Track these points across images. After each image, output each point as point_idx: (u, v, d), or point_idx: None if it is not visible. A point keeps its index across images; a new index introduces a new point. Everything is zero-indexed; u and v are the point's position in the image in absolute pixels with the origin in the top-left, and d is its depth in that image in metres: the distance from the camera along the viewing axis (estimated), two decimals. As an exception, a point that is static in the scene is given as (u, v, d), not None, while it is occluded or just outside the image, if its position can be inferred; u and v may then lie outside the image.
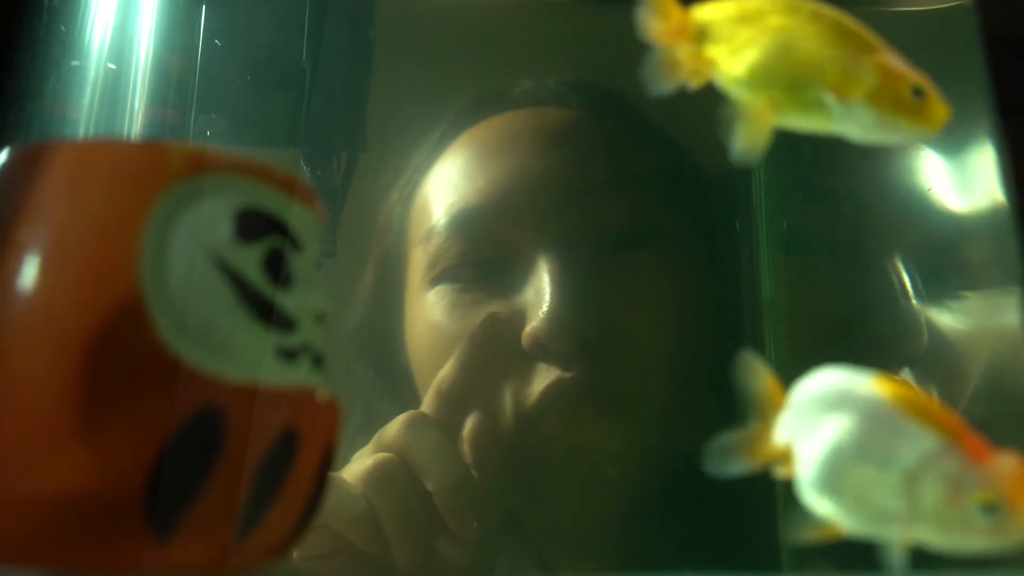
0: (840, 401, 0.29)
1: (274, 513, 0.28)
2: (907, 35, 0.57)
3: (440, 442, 0.48)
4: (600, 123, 0.58)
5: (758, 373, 0.33)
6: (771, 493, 0.44)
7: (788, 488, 0.41)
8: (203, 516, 0.27)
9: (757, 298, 0.51)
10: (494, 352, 0.50)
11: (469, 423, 0.50)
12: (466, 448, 0.49)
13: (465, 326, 0.52)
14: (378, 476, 0.47)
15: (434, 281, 0.54)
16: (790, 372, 0.46)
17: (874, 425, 0.28)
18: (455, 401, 0.50)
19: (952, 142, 0.54)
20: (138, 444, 0.26)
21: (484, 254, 0.53)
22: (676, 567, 0.45)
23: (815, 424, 0.29)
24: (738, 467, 0.32)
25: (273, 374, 0.28)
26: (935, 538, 0.27)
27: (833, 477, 0.28)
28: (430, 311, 0.54)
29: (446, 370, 0.50)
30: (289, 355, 0.28)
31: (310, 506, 0.29)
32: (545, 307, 0.51)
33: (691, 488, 0.48)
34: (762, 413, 0.32)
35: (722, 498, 0.47)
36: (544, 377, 0.51)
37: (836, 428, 0.28)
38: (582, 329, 0.51)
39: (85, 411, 0.26)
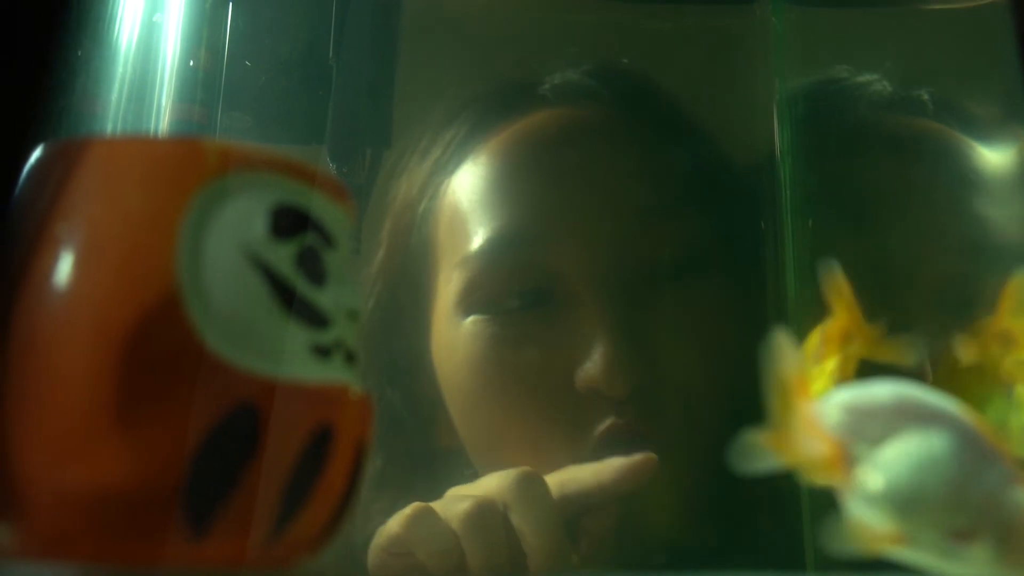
0: (921, 413, 0.27)
1: (308, 510, 0.28)
2: (942, 34, 0.57)
3: (549, 511, 0.46)
4: (637, 125, 0.56)
5: (788, 357, 0.30)
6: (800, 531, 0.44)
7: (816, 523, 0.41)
8: (238, 512, 0.27)
9: (784, 304, 0.50)
10: (637, 487, 0.48)
11: (590, 530, 0.48)
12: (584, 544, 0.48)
13: (516, 364, 0.51)
14: (476, 518, 0.46)
15: (471, 309, 0.52)
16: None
17: (965, 443, 0.26)
18: (576, 508, 0.48)
19: (987, 141, 0.54)
20: (174, 439, 0.26)
21: (528, 285, 0.52)
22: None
23: (885, 432, 0.27)
24: (767, 464, 0.29)
25: (307, 371, 0.28)
26: (988, 565, 0.26)
27: (916, 490, 0.26)
28: (468, 341, 0.52)
29: (582, 479, 0.47)
30: (323, 352, 0.29)
31: (344, 503, 0.29)
32: (600, 348, 0.49)
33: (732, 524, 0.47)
34: (786, 403, 0.29)
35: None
36: (598, 423, 0.49)
37: (927, 439, 0.27)
38: (638, 372, 0.49)
39: (122, 406, 0.26)
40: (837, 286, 0.34)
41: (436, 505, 0.47)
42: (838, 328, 0.34)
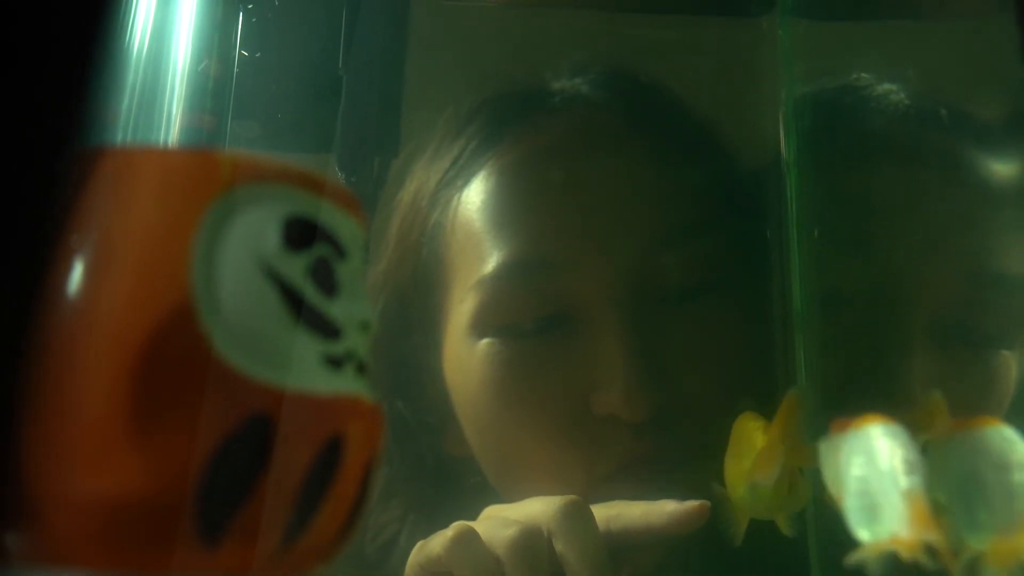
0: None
1: (319, 519, 0.28)
2: (947, 48, 0.57)
3: (595, 542, 0.46)
4: (647, 137, 0.56)
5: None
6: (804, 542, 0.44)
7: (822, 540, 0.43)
8: (250, 521, 0.27)
9: (790, 316, 0.50)
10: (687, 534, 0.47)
11: (633, 561, 0.48)
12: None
13: (532, 389, 0.51)
14: (521, 545, 0.45)
15: (485, 332, 0.52)
16: (823, 387, 0.46)
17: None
18: (619, 545, 0.47)
19: (994, 157, 0.54)
20: (188, 449, 0.26)
21: (543, 310, 0.52)
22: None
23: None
24: None
25: (319, 381, 0.28)
26: None
27: None
28: (483, 363, 0.52)
29: (631, 519, 0.47)
30: (335, 363, 0.29)
31: (354, 512, 0.29)
32: (617, 373, 0.49)
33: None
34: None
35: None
36: (616, 447, 0.49)
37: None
38: (655, 396, 0.49)
39: (137, 416, 0.26)
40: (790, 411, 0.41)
41: (478, 527, 0.46)
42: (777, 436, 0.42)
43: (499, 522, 0.46)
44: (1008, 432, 0.34)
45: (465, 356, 0.53)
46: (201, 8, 0.54)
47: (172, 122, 0.52)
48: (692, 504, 0.46)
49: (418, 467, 0.56)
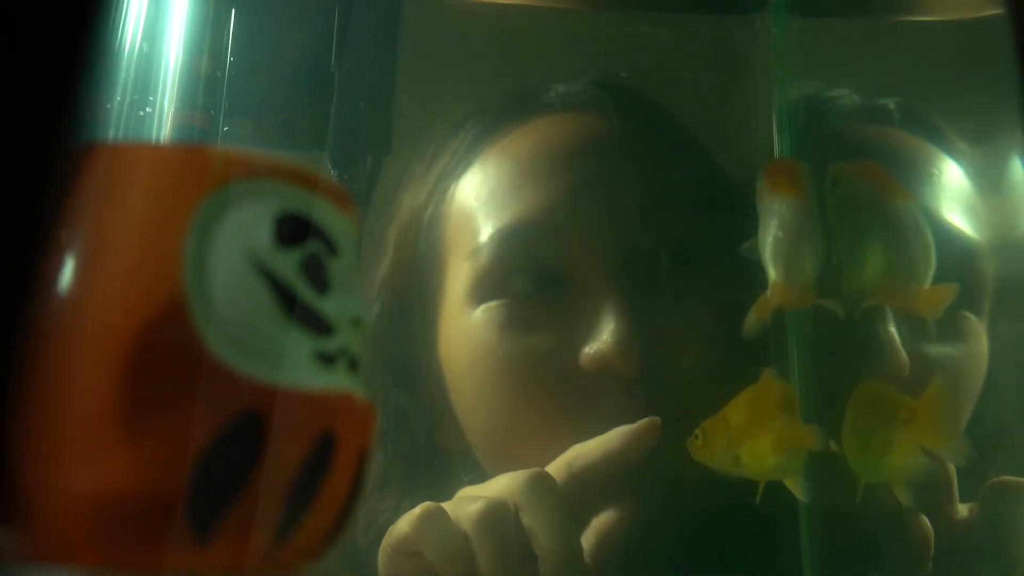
0: None
1: (311, 516, 0.28)
2: (939, 47, 0.57)
3: (560, 510, 0.46)
4: (640, 129, 0.57)
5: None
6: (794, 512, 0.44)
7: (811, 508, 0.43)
8: (242, 518, 0.27)
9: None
10: (644, 454, 0.48)
11: (600, 522, 0.49)
12: (590, 539, 0.48)
13: (526, 347, 0.51)
14: (487, 519, 0.45)
15: (482, 297, 0.53)
16: (815, 375, 0.46)
17: None
18: (585, 485, 0.48)
19: (985, 155, 0.55)
20: (179, 446, 0.26)
21: (536, 272, 0.53)
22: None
23: None
24: None
25: (311, 378, 0.28)
26: None
27: None
28: (480, 328, 0.53)
29: (589, 453, 0.48)
30: (326, 359, 0.29)
31: (346, 509, 0.29)
32: (609, 327, 0.50)
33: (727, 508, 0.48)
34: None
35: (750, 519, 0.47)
36: (606, 407, 0.50)
37: None
38: (646, 351, 0.50)
39: (128, 413, 0.26)
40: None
41: (447, 506, 0.47)
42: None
43: (466, 499, 0.47)
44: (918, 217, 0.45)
45: (461, 326, 0.54)
46: (193, 5, 0.54)
47: (164, 119, 0.52)
48: (642, 423, 0.48)
49: (413, 457, 0.56)
